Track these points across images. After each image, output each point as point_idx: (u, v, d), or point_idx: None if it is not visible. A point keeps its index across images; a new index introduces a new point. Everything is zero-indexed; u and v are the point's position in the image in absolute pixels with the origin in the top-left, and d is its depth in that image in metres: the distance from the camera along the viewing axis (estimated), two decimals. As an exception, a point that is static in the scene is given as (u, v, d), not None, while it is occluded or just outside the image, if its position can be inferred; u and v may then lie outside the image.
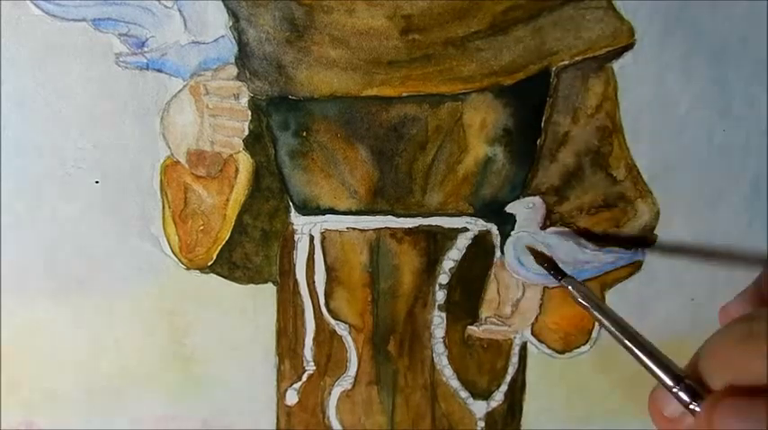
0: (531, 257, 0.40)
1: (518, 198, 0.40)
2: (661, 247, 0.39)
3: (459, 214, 0.40)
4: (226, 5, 0.36)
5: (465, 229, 0.40)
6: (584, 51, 0.37)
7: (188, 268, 0.40)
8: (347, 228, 0.40)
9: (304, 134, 0.39)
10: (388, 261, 0.40)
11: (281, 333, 0.42)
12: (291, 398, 0.42)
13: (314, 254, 0.40)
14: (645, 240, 0.40)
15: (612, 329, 0.32)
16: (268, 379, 0.42)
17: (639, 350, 0.30)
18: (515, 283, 0.41)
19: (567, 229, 0.40)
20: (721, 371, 0.26)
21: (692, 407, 0.27)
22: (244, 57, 0.37)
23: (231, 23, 0.37)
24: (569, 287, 0.36)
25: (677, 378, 0.28)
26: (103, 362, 0.42)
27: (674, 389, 0.28)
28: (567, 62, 0.38)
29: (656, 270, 0.41)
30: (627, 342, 0.31)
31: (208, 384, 0.42)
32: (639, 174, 0.39)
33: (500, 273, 0.41)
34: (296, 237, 0.40)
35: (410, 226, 0.40)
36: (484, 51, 0.37)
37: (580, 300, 0.35)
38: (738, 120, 0.39)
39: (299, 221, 0.40)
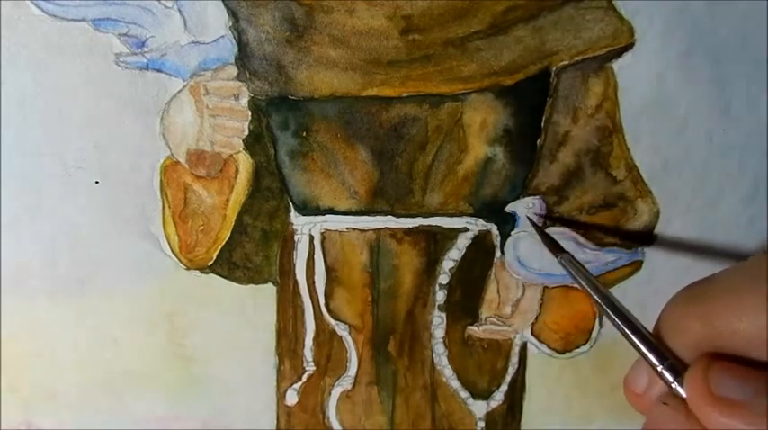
0: (531, 257, 0.40)
1: (518, 198, 0.40)
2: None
3: (460, 214, 0.40)
4: (226, 5, 0.36)
5: (465, 229, 0.40)
6: (585, 51, 0.37)
7: (188, 268, 0.40)
8: (347, 229, 0.40)
9: (304, 134, 0.39)
10: (388, 261, 0.40)
11: (281, 333, 0.42)
12: (291, 398, 0.42)
13: (314, 254, 0.40)
14: (645, 239, 0.40)
15: (602, 305, 0.32)
16: (268, 379, 0.42)
17: (628, 328, 0.30)
18: (515, 283, 0.41)
19: (566, 229, 0.40)
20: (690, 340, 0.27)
21: (674, 385, 0.28)
22: (244, 57, 0.37)
23: (231, 23, 0.37)
24: (563, 262, 0.36)
25: (663, 357, 0.28)
26: (103, 363, 0.42)
27: (659, 368, 0.28)
28: (567, 62, 0.38)
29: (656, 270, 0.41)
30: (616, 319, 0.31)
31: (208, 384, 0.42)
32: (639, 173, 0.39)
33: (500, 273, 0.41)
34: (296, 237, 0.40)
35: (410, 226, 0.40)
36: (484, 51, 0.37)
37: (574, 274, 0.35)
38: (738, 120, 0.39)
39: (299, 221, 0.40)
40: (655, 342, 0.29)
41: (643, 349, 0.29)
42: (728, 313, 0.25)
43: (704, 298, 0.26)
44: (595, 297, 0.33)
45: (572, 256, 0.37)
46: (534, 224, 0.39)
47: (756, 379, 0.24)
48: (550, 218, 0.40)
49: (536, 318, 0.41)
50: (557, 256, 0.37)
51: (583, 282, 0.34)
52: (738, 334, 0.24)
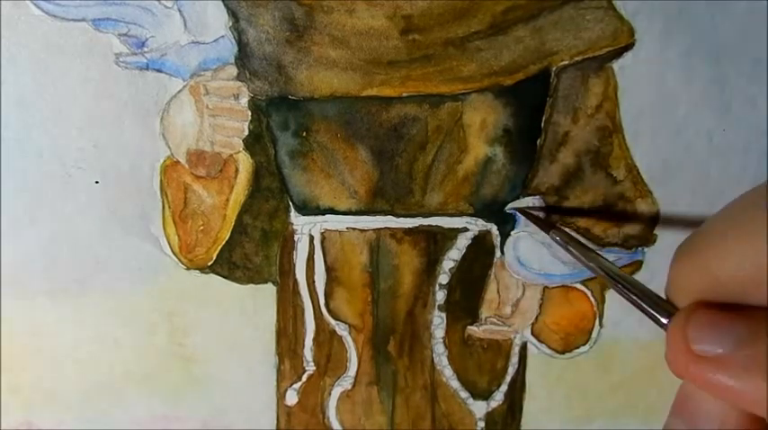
0: (531, 257, 0.40)
1: (518, 198, 0.40)
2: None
3: (460, 214, 0.40)
4: (226, 5, 0.36)
5: (465, 229, 0.40)
6: (585, 51, 0.37)
7: (188, 268, 0.40)
8: (347, 228, 0.40)
9: (304, 134, 0.39)
10: (388, 261, 0.40)
11: (281, 333, 0.42)
12: (291, 398, 0.42)
13: (314, 254, 0.40)
14: (645, 239, 0.40)
15: (604, 274, 0.32)
16: (268, 379, 0.42)
17: (633, 293, 0.28)
18: (515, 283, 0.41)
19: (566, 229, 0.40)
20: (687, 287, 0.23)
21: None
22: (244, 57, 0.37)
23: (231, 23, 0.37)
24: (556, 237, 0.36)
25: (670, 314, 0.25)
26: (103, 363, 0.42)
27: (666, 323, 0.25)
28: (567, 62, 0.38)
29: (656, 270, 0.41)
30: (619, 284, 0.30)
31: (208, 384, 0.42)
32: (639, 174, 0.39)
33: (500, 273, 0.41)
34: (296, 237, 0.40)
35: (410, 226, 0.40)
36: (484, 51, 0.37)
37: (570, 248, 0.35)
38: (738, 120, 0.39)
39: (298, 221, 0.40)
40: (660, 300, 0.26)
41: (648, 309, 0.27)
42: (724, 256, 0.22)
43: (700, 245, 0.23)
44: (597, 269, 0.32)
45: (564, 230, 0.36)
46: (521, 210, 0.39)
47: (744, 325, 0.21)
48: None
49: (536, 318, 0.41)
50: (548, 233, 0.37)
51: (581, 257, 0.33)
52: (737, 277, 0.21)
